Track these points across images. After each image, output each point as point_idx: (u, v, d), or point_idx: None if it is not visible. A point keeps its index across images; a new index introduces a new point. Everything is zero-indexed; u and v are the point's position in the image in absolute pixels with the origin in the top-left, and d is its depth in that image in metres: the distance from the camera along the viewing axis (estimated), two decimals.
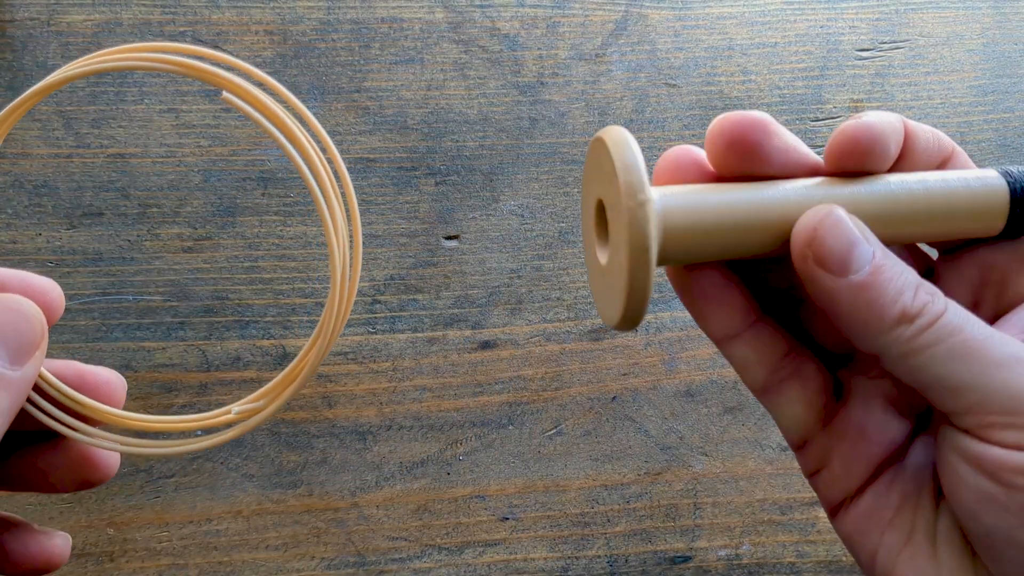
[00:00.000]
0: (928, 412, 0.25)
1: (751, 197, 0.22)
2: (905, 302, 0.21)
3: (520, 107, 0.43)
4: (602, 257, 0.23)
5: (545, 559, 0.39)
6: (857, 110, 0.45)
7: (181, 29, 0.42)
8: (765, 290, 0.25)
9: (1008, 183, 0.23)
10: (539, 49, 0.44)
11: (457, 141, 0.42)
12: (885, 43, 0.46)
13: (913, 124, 0.24)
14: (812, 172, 0.23)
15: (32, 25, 0.41)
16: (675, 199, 0.22)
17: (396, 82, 0.43)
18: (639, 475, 0.40)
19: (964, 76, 0.46)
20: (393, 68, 0.43)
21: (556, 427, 0.40)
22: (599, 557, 0.39)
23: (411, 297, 0.41)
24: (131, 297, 0.40)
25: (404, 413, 0.40)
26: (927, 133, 0.24)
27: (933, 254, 0.26)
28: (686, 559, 0.39)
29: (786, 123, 0.44)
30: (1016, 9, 0.47)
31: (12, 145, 0.40)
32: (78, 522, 0.37)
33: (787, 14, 0.45)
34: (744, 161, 0.23)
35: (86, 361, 0.39)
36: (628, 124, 0.43)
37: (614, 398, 0.41)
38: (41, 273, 0.39)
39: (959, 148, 0.24)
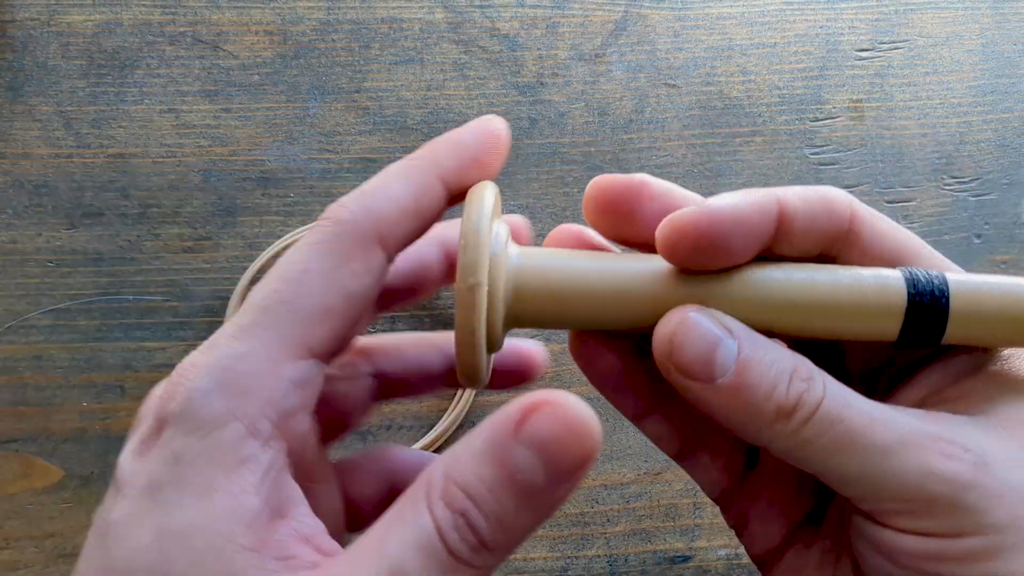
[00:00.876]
0: None
1: (605, 267, 0.21)
2: (778, 398, 0.19)
3: (520, 107, 0.43)
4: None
5: (545, 559, 0.39)
6: (857, 110, 0.45)
7: (181, 29, 0.42)
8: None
9: (907, 285, 0.21)
10: (539, 49, 0.44)
11: None
12: (884, 43, 0.46)
13: (792, 201, 0.21)
14: None
15: (32, 25, 0.41)
16: (530, 259, 0.21)
17: (396, 82, 0.43)
18: (639, 475, 0.40)
19: (963, 76, 0.46)
20: (393, 68, 0.43)
21: None
22: (599, 557, 0.39)
23: None
24: (131, 297, 0.40)
25: (404, 413, 0.40)
26: (811, 206, 0.21)
27: None
28: (686, 559, 0.40)
29: (786, 123, 0.44)
30: (1015, 10, 0.47)
31: (13, 145, 0.40)
32: (78, 522, 0.37)
33: (787, 14, 0.46)
34: (620, 227, 0.22)
35: (86, 360, 0.39)
36: (628, 124, 0.43)
37: None
38: (41, 273, 0.39)
39: (864, 211, 0.22)
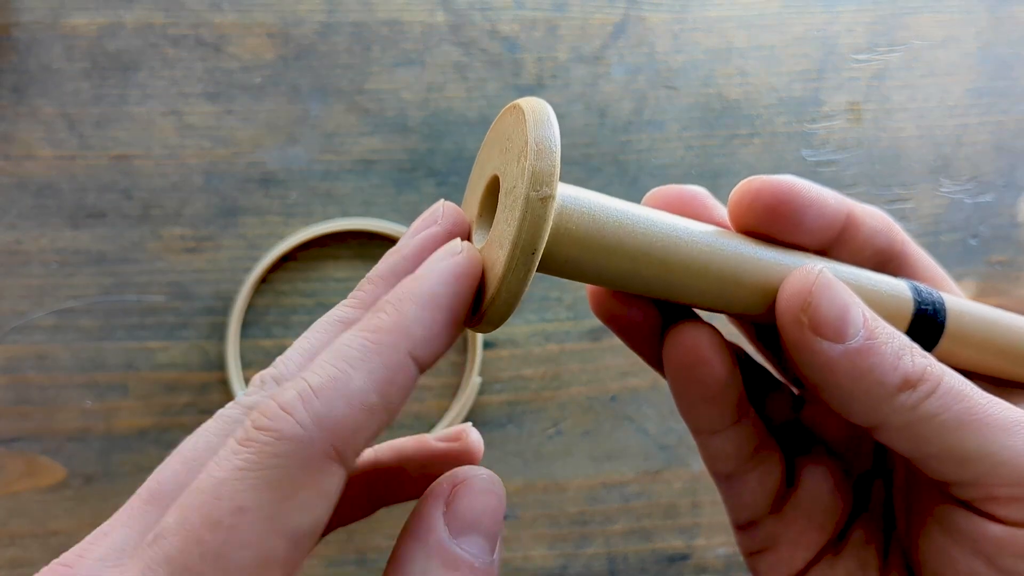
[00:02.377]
0: (867, 491, 0.24)
1: (668, 220, 0.20)
2: (905, 366, 0.19)
3: None
4: (478, 240, 0.20)
5: (544, 557, 0.39)
6: (854, 112, 0.45)
7: (184, 32, 0.42)
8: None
9: (914, 299, 0.21)
10: (539, 51, 0.44)
11: (457, 142, 0.43)
12: (882, 46, 0.46)
13: (861, 210, 0.22)
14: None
15: (36, 28, 0.42)
16: (575, 198, 0.19)
17: (397, 84, 0.43)
18: (638, 474, 0.40)
19: (960, 79, 0.46)
20: (394, 70, 0.43)
21: (556, 427, 0.40)
22: (598, 555, 0.39)
23: None
24: (134, 297, 0.40)
25: (404, 413, 0.40)
26: (875, 221, 0.22)
27: None
28: (685, 557, 0.40)
29: (784, 125, 0.45)
30: (1012, 13, 0.47)
31: (17, 147, 0.41)
32: (81, 520, 0.38)
33: (785, 17, 0.46)
34: (775, 228, 0.21)
35: (89, 360, 0.39)
36: (627, 126, 0.44)
37: (613, 398, 0.41)
38: (44, 273, 0.40)
39: (914, 245, 0.23)
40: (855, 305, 0.19)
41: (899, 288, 0.21)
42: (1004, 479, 0.19)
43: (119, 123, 0.41)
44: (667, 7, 0.45)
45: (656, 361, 0.23)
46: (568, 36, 0.44)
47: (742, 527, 0.24)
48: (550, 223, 0.18)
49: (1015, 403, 0.21)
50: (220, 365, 0.39)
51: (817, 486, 0.24)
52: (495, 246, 0.18)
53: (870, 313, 0.19)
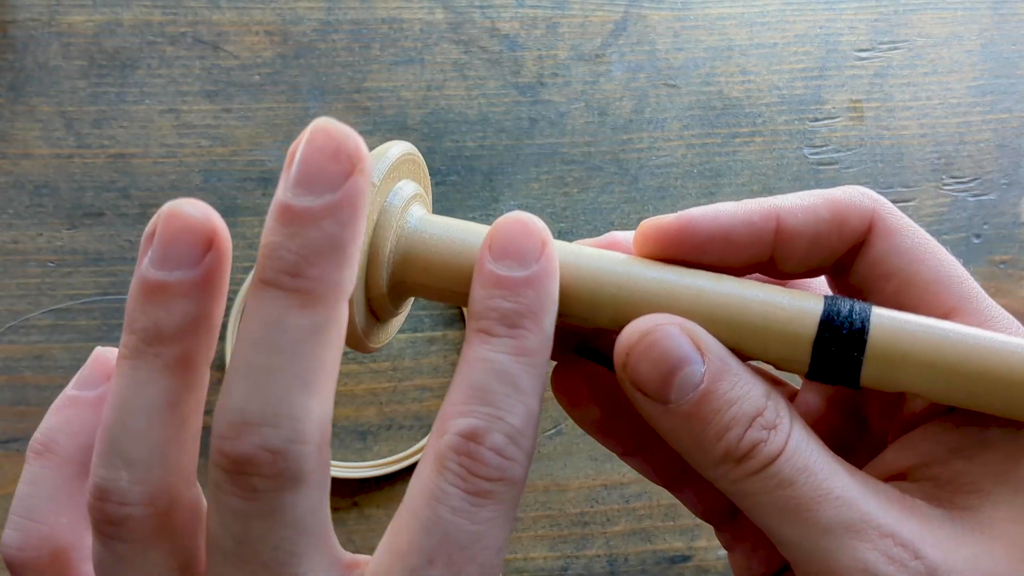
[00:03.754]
0: None
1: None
2: (730, 440, 0.18)
3: (520, 107, 0.43)
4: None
5: (545, 558, 0.39)
6: (856, 110, 0.45)
7: (182, 30, 0.42)
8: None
9: (826, 308, 0.19)
10: (539, 49, 0.44)
11: (457, 141, 0.42)
12: (884, 43, 0.46)
13: (795, 218, 0.20)
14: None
15: (33, 26, 0.41)
16: (431, 225, 0.19)
17: (396, 82, 0.43)
18: (639, 475, 0.40)
19: (962, 76, 0.46)
20: (393, 68, 0.43)
21: (556, 427, 0.40)
22: (599, 556, 0.39)
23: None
24: None
25: (404, 413, 0.40)
26: (819, 222, 0.20)
27: None
28: (685, 559, 0.40)
29: (785, 123, 0.44)
30: (1014, 10, 0.47)
31: (14, 145, 0.40)
32: None
33: (786, 15, 0.46)
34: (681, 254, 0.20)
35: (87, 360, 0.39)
36: (628, 124, 0.43)
37: None
38: (42, 273, 0.39)
39: (888, 221, 0.20)
40: (692, 365, 0.18)
41: (805, 303, 0.19)
42: (812, 575, 0.18)
43: (117, 121, 0.41)
44: (668, 5, 0.45)
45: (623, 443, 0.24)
46: (568, 34, 0.44)
47: (711, 523, 0.24)
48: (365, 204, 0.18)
49: (980, 434, 0.19)
50: (219, 365, 0.39)
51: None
52: None
53: (716, 373, 0.18)
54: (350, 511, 0.38)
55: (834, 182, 0.44)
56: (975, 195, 0.45)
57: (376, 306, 0.20)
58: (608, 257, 0.20)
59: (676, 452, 0.21)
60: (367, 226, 0.18)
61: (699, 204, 0.46)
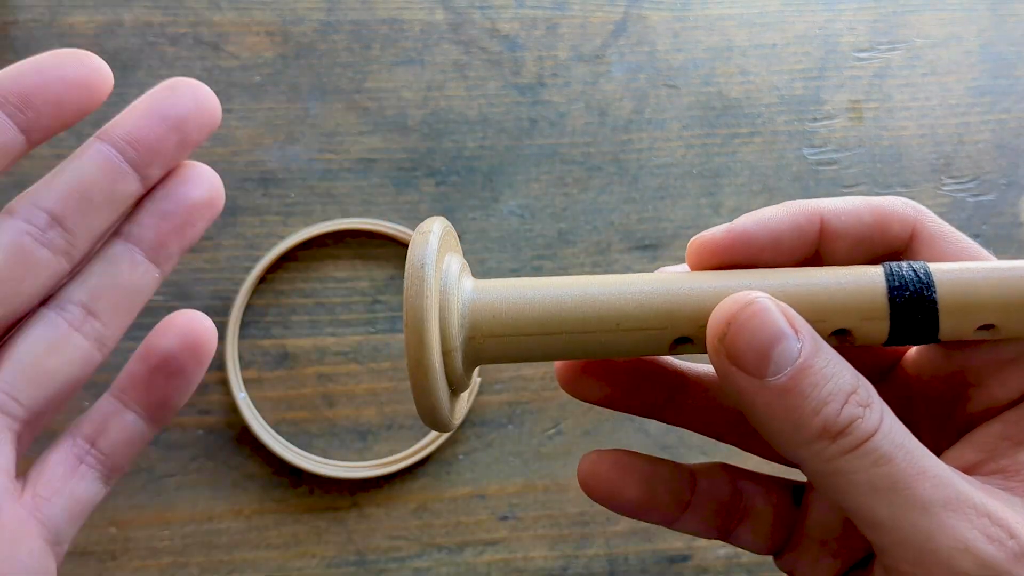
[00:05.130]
0: None
1: (582, 285, 0.20)
2: (828, 415, 0.18)
3: (520, 108, 0.43)
4: None
5: (545, 558, 0.39)
6: (855, 110, 0.45)
7: (182, 30, 0.42)
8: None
9: (888, 290, 0.19)
10: (539, 50, 0.44)
11: (457, 142, 0.42)
12: (883, 44, 0.46)
13: (838, 220, 0.21)
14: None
15: (34, 26, 0.41)
16: (486, 292, 0.20)
17: (396, 83, 0.43)
18: None
19: (962, 77, 0.46)
20: (393, 69, 0.43)
21: (556, 427, 0.40)
22: (599, 556, 0.39)
23: None
24: None
25: (404, 413, 0.40)
26: (861, 225, 0.21)
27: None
28: (685, 558, 0.40)
29: (785, 123, 0.44)
30: (1013, 11, 0.47)
31: None
32: None
33: (786, 15, 0.46)
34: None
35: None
36: (628, 124, 0.44)
37: None
38: None
39: (931, 229, 0.21)
40: (788, 340, 0.18)
41: (868, 276, 0.20)
42: (907, 556, 0.18)
43: None
44: (668, 5, 0.45)
45: (643, 410, 0.24)
46: (568, 35, 0.44)
47: (771, 554, 0.24)
48: (435, 378, 0.19)
49: None
50: (219, 365, 0.39)
51: (824, 514, 0.23)
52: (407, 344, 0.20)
53: (812, 348, 0.18)
54: (350, 511, 0.38)
55: (833, 182, 0.44)
56: (974, 195, 0.45)
57: (453, 382, 0.21)
58: (672, 278, 0.20)
59: (721, 483, 0.22)
60: (433, 308, 0.18)
61: (699, 204, 0.46)
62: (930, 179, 0.45)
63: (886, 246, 0.21)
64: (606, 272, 0.42)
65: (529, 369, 0.40)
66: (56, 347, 0.23)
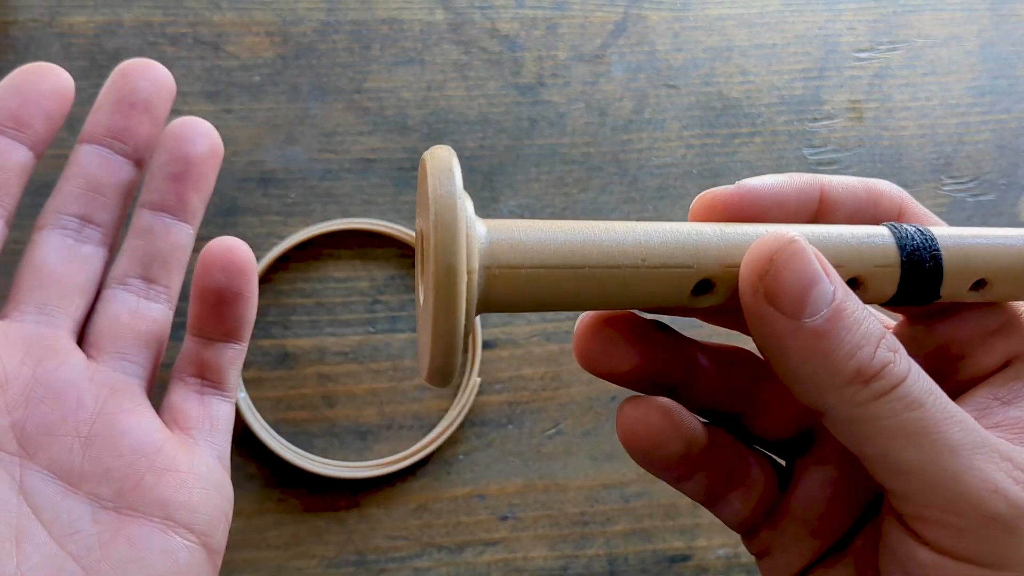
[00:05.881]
0: (878, 500, 0.23)
1: (604, 229, 0.19)
2: (863, 359, 0.18)
3: (520, 108, 0.43)
4: (420, 295, 0.20)
5: (545, 558, 0.39)
6: (855, 110, 0.45)
7: (182, 30, 0.42)
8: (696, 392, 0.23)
9: (897, 242, 0.20)
10: (539, 50, 0.44)
11: (457, 141, 0.42)
12: (883, 44, 0.46)
13: (836, 190, 0.21)
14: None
15: (34, 27, 0.41)
16: (503, 233, 0.19)
17: (396, 83, 0.43)
18: (638, 474, 0.40)
19: (962, 77, 0.46)
20: (393, 69, 0.43)
21: (556, 427, 0.40)
22: (599, 556, 0.39)
23: (411, 297, 0.41)
24: None
25: (404, 413, 0.40)
26: (857, 198, 0.21)
27: (889, 322, 0.25)
28: (685, 558, 0.40)
29: (785, 123, 0.44)
30: (1013, 11, 0.47)
31: None
32: None
33: (786, 15, 0.46)
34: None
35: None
36: (628, 125, 0.44)
37: (613, 398, 0.41)
38: None
39: (915, 208, 0.22)
40: (824, 282, 0.18)
41: (877, 234, 0.20)
42: (935, 501, 0.18)
43: None
44: (668, 5, 0.45)
45: (654, 391, 0.23)
46: (568, 35, 0.44)
47: (741, 533, 0.24)
48: (462, 290, 0.17)
49: None
50: None
51: (811, 492, 0.23)
52: (427, 286, 0.18)
53: (843, 292, 0.18)
54: (350, 511, 0.38)
55: None
56: (974, 195, 0.45)
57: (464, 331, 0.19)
58: (693, 225, 0.20)
59: (725, 448, 0.22)
60: (460, 246, 0.17)
61: None
62: (930, 179, 0.45)
63: (876, 220, 0.22)
64: None
65: (529, 369, 0.40)
66: (138, 313, 0.26)
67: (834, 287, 0.18)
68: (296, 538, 0.38)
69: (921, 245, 0.20)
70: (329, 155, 0.42)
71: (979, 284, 0.21)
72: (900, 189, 0.22)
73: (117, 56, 0.41)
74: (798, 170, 0.44)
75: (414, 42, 0.43)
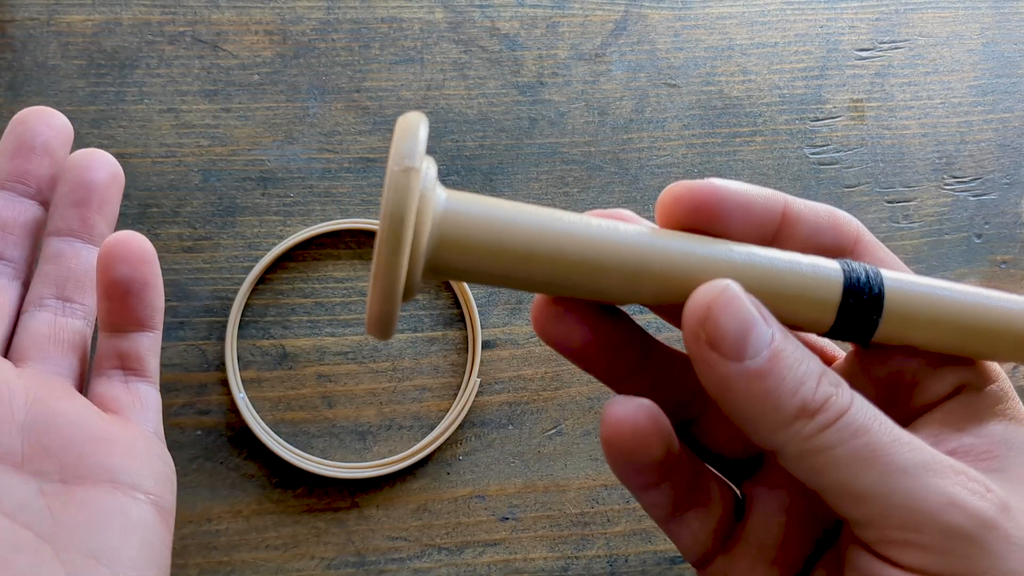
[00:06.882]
0: (837, 526, 0.23)
1: (561, 217, 0.20)
2: (805, 394, 0.18)
3: (520, 107, 0.43)
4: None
5: (545, 559, 0.39)
6: (857, 110, 0.45)
7: (181, 29, 0.42)
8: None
9: (845, 274, 0.21)
10: (539, 49, 0.44)
11: (457, 141, 0.42)
12: (885, 43, 0.46)
13: (798, 206, 0.22)
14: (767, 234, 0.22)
15: (32, 25, 0.41)
16: (462, 202, 0.19)
17: (396, 82, 0.43)
18: None
19: (964, 76, 0.46)
20: (393, 68, 0.43)
21: (556, 427, 0.40)
22: (599, 557, 0.39)
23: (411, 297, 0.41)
24: None
25: (404, 413, 0.40)
26: (818, 218, 0.22)
27: (839, 353, 0.25)
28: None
29: (786, 123, 0.44)
30: (1016, 9, 0.47)
31: None
32: None
33: (787, 14, 0.46)
34: (701, 230, 0.21)
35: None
36: (628, 124, 0.43)
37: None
38: None
39: (869, 238, 0.23)
40: (761, 325, 0.18)
41: (828, 270, 0.21)
42: (896, 523, 0.18)
43: (116, 121, 0.41)
44: (668, 4, 0.45)
45: (610, 380, 0.23)
46: (568, 34, 0.44)
47: (697, 565, 0.23)
48: (416, 194, 0.18)
49: (961, 375, 0.21)
50: (219, 365, 0.39)
51: (766, 519, 0.22)
52: (373, 259, 0.19)
53: (781, 334, 0.19)
54: (350, 511, 0.38)
55: (835, 182, 0.44)
56: (976, 195, 0.45)
57: (408, 287, 0.19)
58: (642, 232, 0.20)
59: (685, 462, 0.21)
60: (410, 211, 0.18)
61: None
62: (932, 178, 0.44)
63: (835, 240, 0.22)
64: None
65: (529, 369, 0.40)
66: (57, 325, 0.27)
67: (771, 330, 0.19)
68: (296, 539, 0.38)
69: (866, 279, 0.21)
70: (328, 155, 0.42)
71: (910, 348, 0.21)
72: (857, 220, 0.23)
73: (115, 55, 0.41)
74: (800, 169, 0.44)
75: (414, 41, 0.43)
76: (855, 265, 0.21)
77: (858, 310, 0.20)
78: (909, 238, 0.43)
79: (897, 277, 0.21)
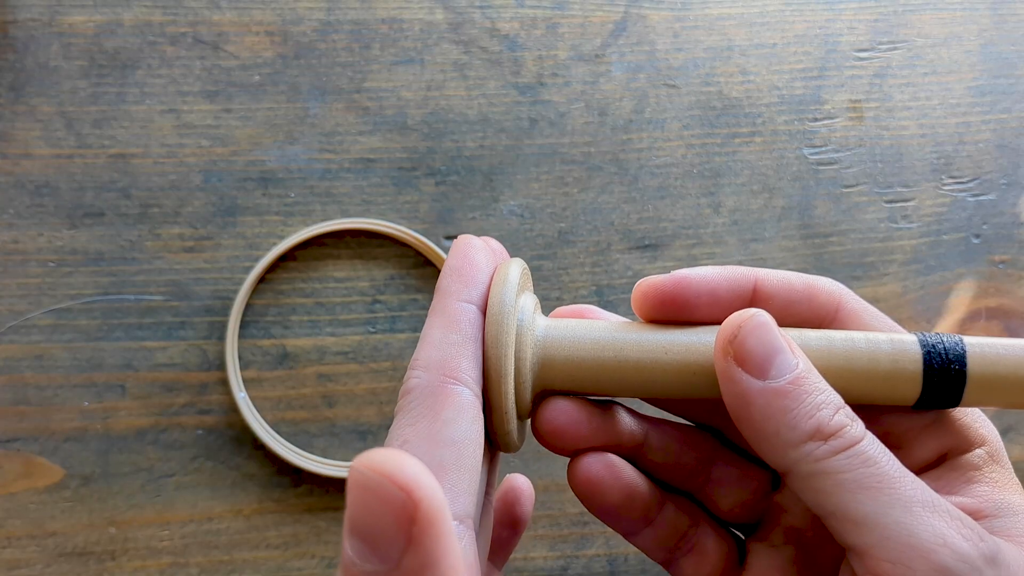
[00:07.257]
0: None
1: (632, 336, 0.22)
2: (822, 419, 0.19)
3: (520, 107, 0.43)
4: None
5: (545, 558, 0.39)
6: (856, 110, 0.45)
7: (182, 30, 0.42)
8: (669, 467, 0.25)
9: (923, 350, 0.22)
10: (539, 50, 0.44)
11: (457, 141, 0.42)
12: (883, 44, 0.46)
13: (771, 283, 0.23)
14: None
15: (34, 26, 0.41)
16: (556, 330, 0.22)
17: (396, 82, 0.43)
18: None
19: (962, 77, 0.46)
20: (393, 68, 0.43)
21: None
22: (599, 556, 0.39)
23: (411, 297, 0.41)
24: (132, 297, 0.40)
25: None
26: (792, 292, 0.23)
27: None
28: None
29: (785, 123, 0.44)
30: (1014, 11, 0.47)
31: (14, 145, 0.40)
32: (79, 521, 0.38)
33: (786, 15, 0.46)
34: (672, 316, 0.23)
35: (87, 360, 0.39)
36: (628, 124, 0.44)
37: None
38: (42, 273, 0.39)
39: (853, 305, 0.23)
40: (787, 353, 0.20)
41: (905, 344, 0.22)
42: (889, 553, 0.19)
43: (117, 122, 0.41)
44: (668, 5, 0.45)
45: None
46: (568, 34, 0.44)
47: None
48: (509, 376, 0.21)
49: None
50: (219, 365, 0.39)
51: (763, 572, 0.23)
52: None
53: (807, 366, 0.20)
54: None
55: (834, 182, 0.44)
56: (974, 195, 0.45)
57: (521, 410, 0.23)
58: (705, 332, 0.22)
59: (683, 512, 0.23)
60: (508, 344, 0.21)
61: (699, 204, 0.46)
62: (930, 179, 0.45)
63: (813, 312, 0.23)
64: (606, 271, 0.42)
65: None
66: None
67: (798, 360, 0.20)
68: (296, 538, 0.38)
69: (946, 353, 0.22)
70: (329, 155, 0.42)
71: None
72: (840, 286, 0.23)
73: (116, 56, 0.41)
74: (798, 169, 0.44)
75: (414, 42, 0.43)
76: (933, 337, 0.22)
77: (941, 382, 0.21)
78: (907, 238, 0.43)
79: (980, 342, 0.22)
